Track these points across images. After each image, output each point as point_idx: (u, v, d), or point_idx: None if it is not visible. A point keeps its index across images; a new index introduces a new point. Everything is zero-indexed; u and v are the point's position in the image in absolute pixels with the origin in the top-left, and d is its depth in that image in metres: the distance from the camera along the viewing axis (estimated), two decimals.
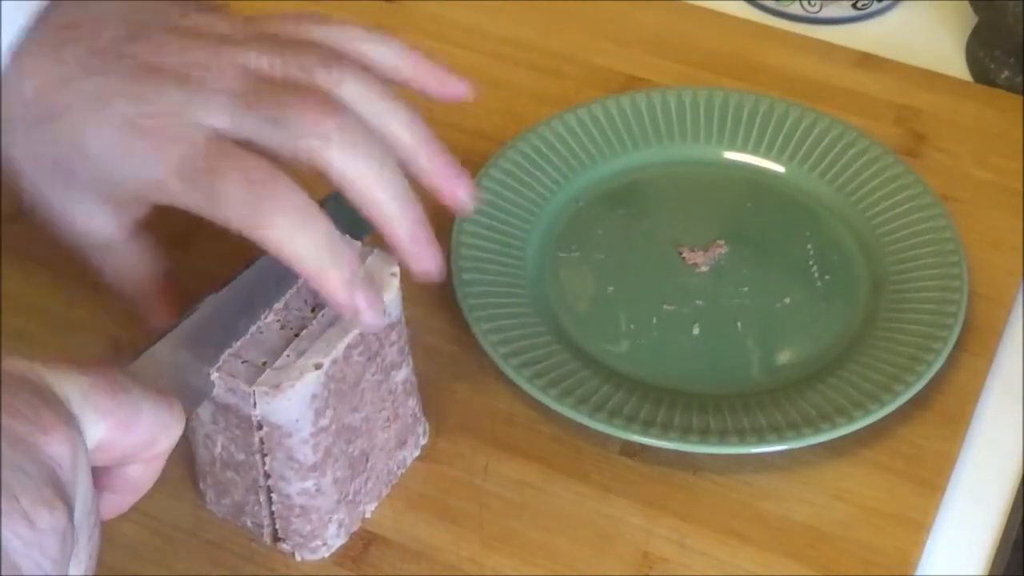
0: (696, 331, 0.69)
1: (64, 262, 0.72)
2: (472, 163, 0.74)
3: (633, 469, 0.64)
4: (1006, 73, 0.82)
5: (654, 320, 0.69)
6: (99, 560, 0.59)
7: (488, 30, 0.84)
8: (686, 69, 0.82)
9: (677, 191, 0.76)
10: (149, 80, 0.54)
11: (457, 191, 0.58)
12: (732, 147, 0.76)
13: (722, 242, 0.72)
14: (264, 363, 0.55)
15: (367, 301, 0.54)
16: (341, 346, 0.56)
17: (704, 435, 0.63)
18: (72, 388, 0.44)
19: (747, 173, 0.76)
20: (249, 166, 0.52)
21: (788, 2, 0.87)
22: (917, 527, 0.62)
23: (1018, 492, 0.65)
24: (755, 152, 0.76)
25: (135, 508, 0.61)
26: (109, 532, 0.61)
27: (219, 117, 0.53)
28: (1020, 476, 0.65)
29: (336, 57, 0.55)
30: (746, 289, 0.70)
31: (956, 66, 0.84)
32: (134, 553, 0.60)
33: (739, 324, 0.69)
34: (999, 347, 0.69)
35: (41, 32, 0.56)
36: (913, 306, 0.68)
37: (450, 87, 0.60)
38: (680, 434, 0.63)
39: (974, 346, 0.68)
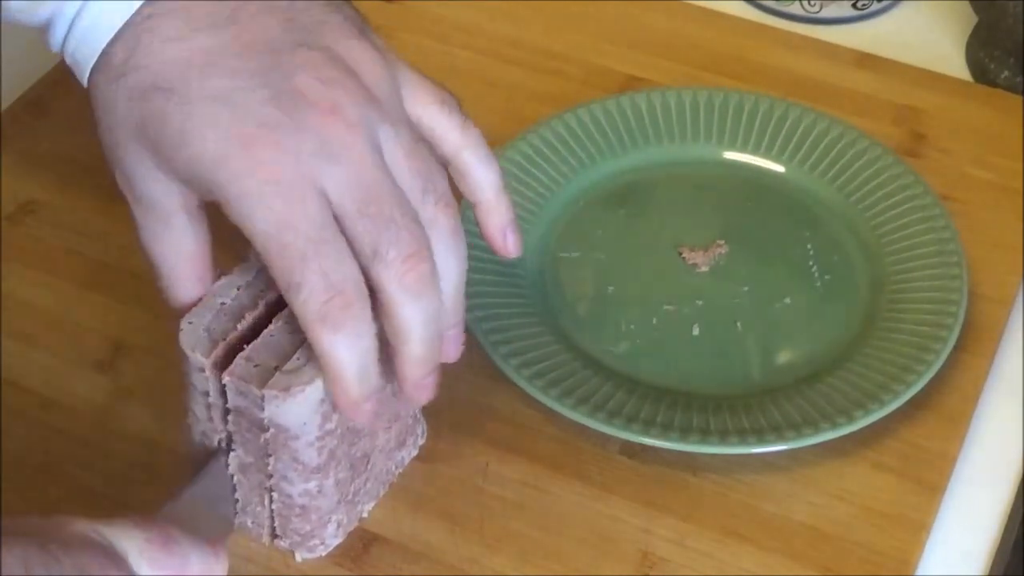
0: (696, 331, 0.69)
1: (64, 262, 0.72)
2: None
3: (633, 469, 0.63)
4: (1006, 73, 0.82)
5: (654, 320, 0.69)
6: None
7: (488, 30, 0.84)
8: (686, 69, 0.82)
9: (677, 191, 0.76)
10: (288, 112, 0.52)
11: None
12: (732, 147, 0.76)
13: (722, 242, 0.72)
14: (275, 367, 0.55)
15: (367, 416, 0.55)
16: None
17: (704, 435, 0.63)
18: (130, 544, 0.48)
19: (747, 173, 0.76)
20: (344, 278, 0.52)
21: (788, 2, 0.87)
22: (917, 527, 0.62)
23: (1018, 492, 0.65)
24: (755, 152, 0.76)
25: (135, 508, 0.62)
26: None
27: (335, 193, 0.52)
28: (1020, 476, 0.65)
29: (441, 186, 0.56)
30: (746, 289, 0.70)
31: (956, 66, 0.84)
32: None
33: (739, 324, 0.69)
34: (999, 347, 0.69)
35: None
36: (913, 306, 0.68)
37: (508, 244, 0.62)
38: (680, 434, 0.63)
39: (974, 346, 0.68)
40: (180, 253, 0.57)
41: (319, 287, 0.52)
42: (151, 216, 0.56)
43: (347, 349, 0.53)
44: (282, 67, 0.53)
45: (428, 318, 0.54)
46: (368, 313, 0.53)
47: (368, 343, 0.53)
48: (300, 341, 0.55)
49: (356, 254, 0.53)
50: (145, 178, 0.55)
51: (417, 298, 0.54)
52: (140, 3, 0.53)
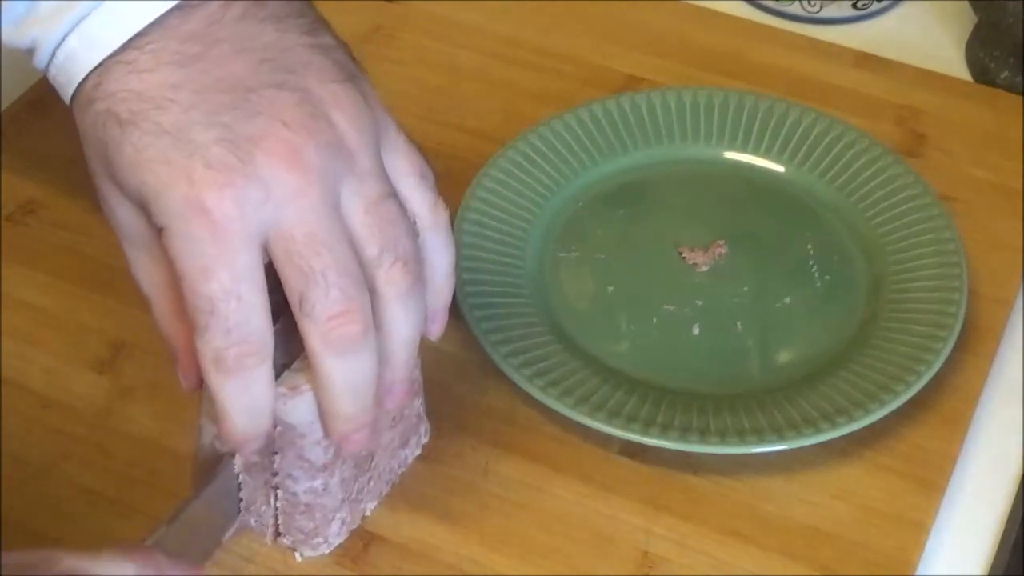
0: (696, 331, 0.69)
1: (64, 262, 0.72)
2: (472, 163, 0.74)
3: (633, 469, 0.63)
4: (1006, 73, 0.82)
5: (654, 320, 0.69)
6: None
7: (488, 30, 0.84)
8: (686, 69, 0.82)
9: (677, 191, 0.76)
10: (240, 155, 0.51)
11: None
12: (732, 147, 0.76)
13: (722, 242, 0.72)
14: (283, 364, 0.55)
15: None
16: None
17: (704, 435, 0.63)
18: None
19: (747, 173, 0.76)
20: (249, 333, 0.52)
21: (788, 2, 0.87)
22: (917, 527, 0.62)
23: (1018, 492, 0.65)
24: (755, 152, 0.76)
25: (135, 508, 0.62)
26: (109, 532, 0.61)
27: (273, 239, 0.52)
28: (1020, 476, 0.65)
29: (403, 246, 0.55)
30: (746, 289, 0.70)
31: (956, 66, 0.84)
32: None
33: (739, 324, 0.69)
34: (999, 347, 0.69)
35: (172, 32, 0.53)
36: (913, 306, 0.68)
37: (433, 328, 0.60)
38: (680, 434, 0.63)
39: (974, 346, 0.68)
40: (157, 284, 0.56)
41: (219, 335, 0.51)
42: (127, 244, 0.56)
43: (232, 394, 0.52)
44: (245, 107, 0.52)
45: (352, 376, 0.54)
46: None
47: (259, 391, 0.53)
48: None
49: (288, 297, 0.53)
50: (115, 205, 0.55)
51: (340, 356, 0.53)
52: (121, 43, 0.53)
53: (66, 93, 0.55)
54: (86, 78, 0.53)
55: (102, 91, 0.53)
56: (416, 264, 0.55)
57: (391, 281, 0.54)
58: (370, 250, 0.53)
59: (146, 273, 0.56)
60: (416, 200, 0.57)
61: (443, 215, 0.58)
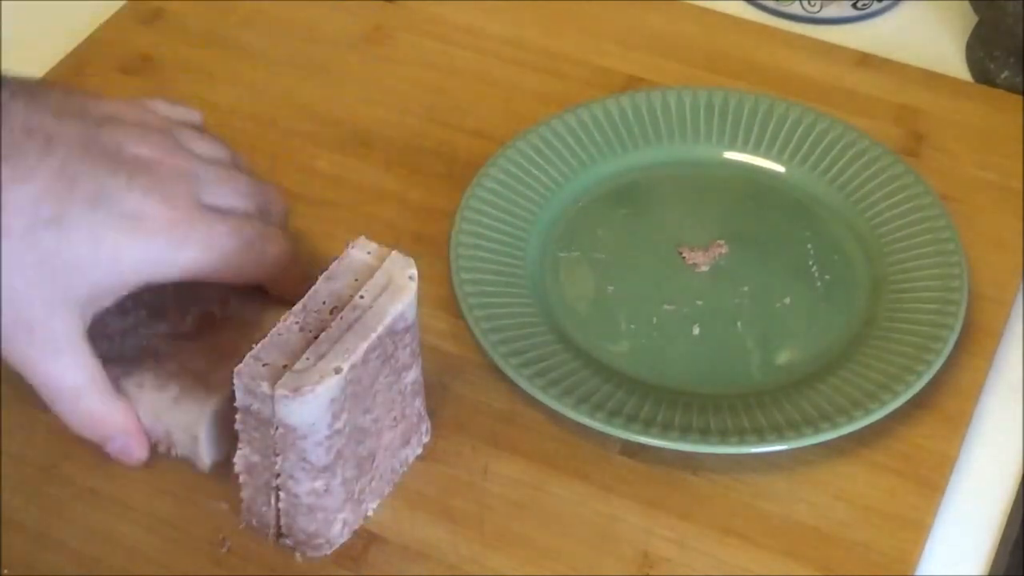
0: (696, 331, 0.69)
1: None
2: (472, 163, 0.74)
3: (633, 469, 0.64)
4: (1006, 73, 0.82)
5: (654, 320, 0.69)
6: (99, 560, 0.60)
7: (488, 30, 0.84)
8: (686, 69, 0.82)
9: (677, 191, 0.76)
10: (139, 171, 0.59)
11: None
12: (732, 147, 0.76)
13: (722, 242, 0.72)
14: (284, 365, 0.55)
15: None
16: (361, 350, 0.56)
17: (704, 435, 0.63)
18: None
19: (747, 173, 0.76)
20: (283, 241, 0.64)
21: (788, 2, 0.87)
22: (917, 527, 0.62)
23: (1018, 492, 0.65)
24: (755, 152, 0.76)
25: (135, 508, 0.62)
26: (109, 532, 0.61)
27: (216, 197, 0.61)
28: (1020, 476, 0.65)
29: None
30: (746, 289, 0.70)
31: (956, 66, 0.84)
32: (134, 553, 0.60)
33: (739, 324, 0.69)
34: (999, 347, 0.69)
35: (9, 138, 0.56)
36: (913, 306, 0.68)
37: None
38: (680, 434, 0.63)
39: (974, 346, 0.68)
40: (111, 424, 0.62)
41: (281, 254, 0.64)
42: (70, 400, 0.61)
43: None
44: (115, 150, 0.60)
45: None
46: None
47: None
48: (309, 340, 0.55)
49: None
50: (48, 355, 0.60)
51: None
52: None
53: None
54: None
55: None
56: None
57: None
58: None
59: (98, 416, 0.61)
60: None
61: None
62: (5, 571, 0.60)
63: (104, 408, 0.60)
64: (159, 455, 0.62)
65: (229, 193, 0.62)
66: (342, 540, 0.60)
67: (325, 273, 0.58)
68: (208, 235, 0.60)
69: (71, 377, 0.59)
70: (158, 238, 0.58)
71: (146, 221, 0.58)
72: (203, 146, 0.63)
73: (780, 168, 0.75)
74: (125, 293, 0.59)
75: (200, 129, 0.65)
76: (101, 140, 0.59)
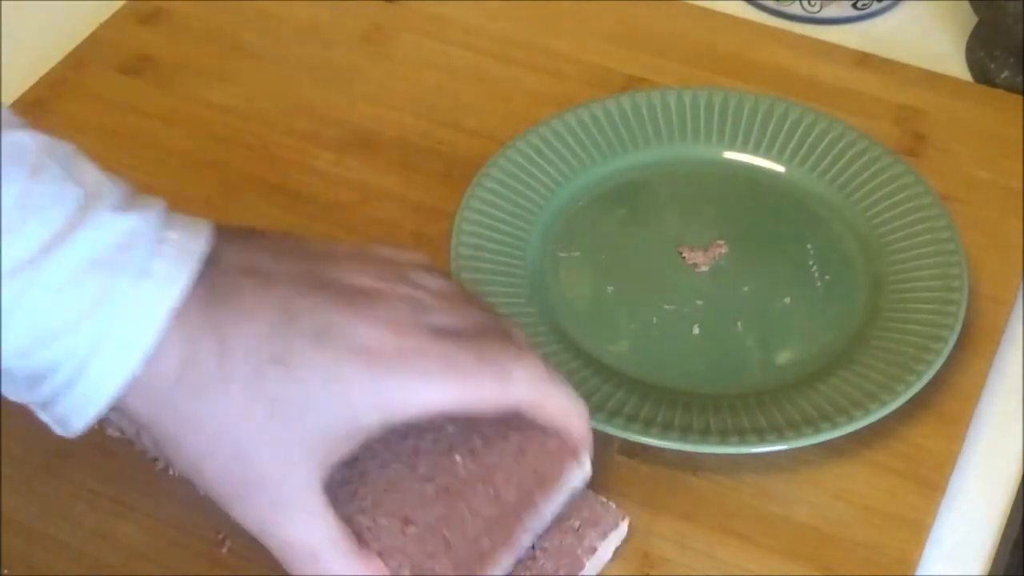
0: (696, 331, 0.69)
1: None
2: (472, 163, 0.74)
3: (633, 469, 0.63)
4: (1006, 73, 0.82)
5: (654, 320, 0.69)
6: (99, 560, 0.60)
7: (488, 30, 0.84)
8: (686, 69, 0.82)
9: (677, 191, 0.76)
10: (363, 301, 0.53)
11: None
12: (732, 147, 0.76)
13: (722, 242, 0.72)
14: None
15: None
16: None
17: (704, 435, 0.63)
18: None
19: (747, 173, 0.76)
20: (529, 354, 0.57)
21: (788, 2, 0.87)
22: (917, 527, 0.62)
23: (1018, 492, 0.65)
24: (755, 152, 0.76)
25: (135, 508, 0.62)
26: (109, 532, 0.61)
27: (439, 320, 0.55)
28: (1020, 476, 0.65)
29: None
30: (746, 289, 0.70)
31: (956, 66, 0.84)
32: (134, 553, 0.60)
33: (739, 324, 0.69)
34: (999, 347, 0.69)
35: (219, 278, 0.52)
36: (913, 306, 0.68)
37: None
38: (680, 434, 0.63)
39: (974, 346, 0.68)
40: None
41: (530, 369, 0.56)
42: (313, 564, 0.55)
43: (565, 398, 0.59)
44: (335, 283, 0.55)
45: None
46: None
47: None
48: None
49: None
50: (282, 515, 0.55)
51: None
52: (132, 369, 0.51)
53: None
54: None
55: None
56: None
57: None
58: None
59: None
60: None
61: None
62: (5, 571, 0.60)
63: (348, 571, 0.54)
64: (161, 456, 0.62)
65: (460, 320, 0.56)
66: None
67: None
68: (444, 359, 0.53)
69: (308, 538, 0.53)
70: (391, 371, 0.52)
71: (376, 353, 0.52)
72: (429, 280, 0.57)
73: (780, 168, 0.75)
74: (360, 441, 0.53)
75: (429, 268, 0.58)
76: (321, 274, 0.54)
